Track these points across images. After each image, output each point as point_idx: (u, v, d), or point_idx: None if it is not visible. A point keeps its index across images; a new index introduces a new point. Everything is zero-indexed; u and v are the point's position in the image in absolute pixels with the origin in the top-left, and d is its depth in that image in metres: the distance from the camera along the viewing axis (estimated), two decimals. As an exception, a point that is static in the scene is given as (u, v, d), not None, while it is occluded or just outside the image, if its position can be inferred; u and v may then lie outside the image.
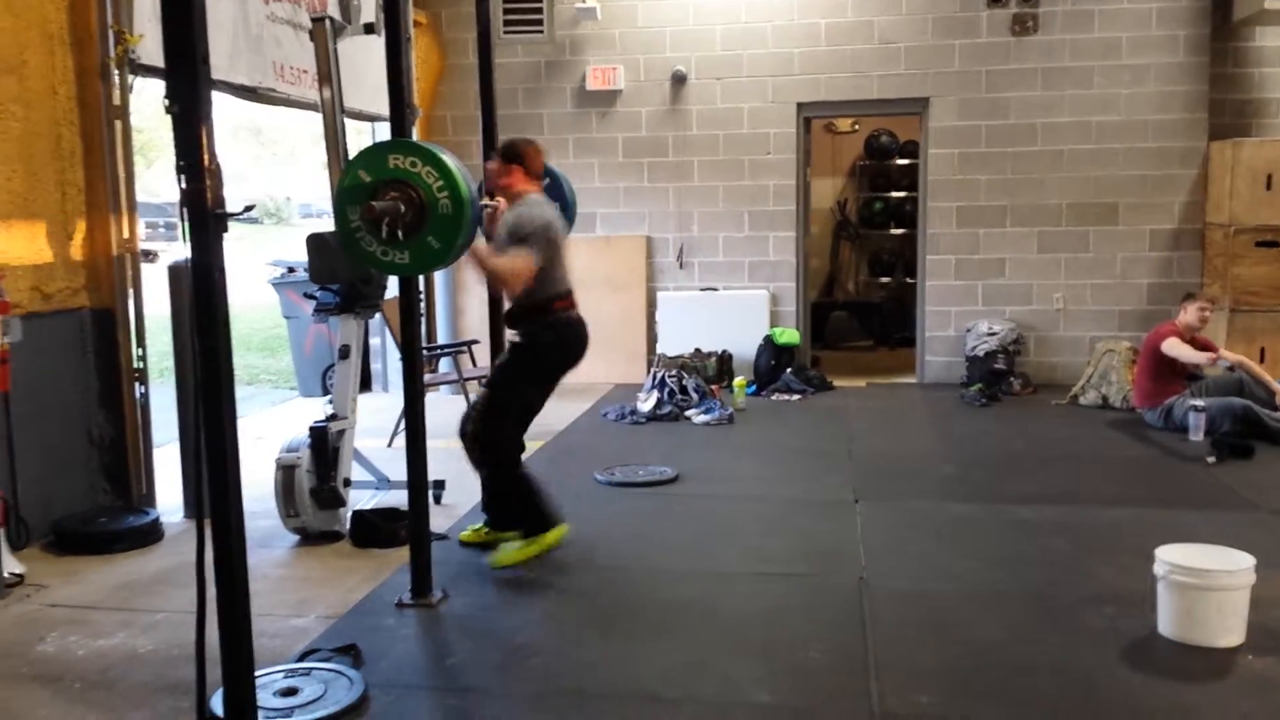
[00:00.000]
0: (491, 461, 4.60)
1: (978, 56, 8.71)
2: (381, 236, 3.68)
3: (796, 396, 8.52)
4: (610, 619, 4.05)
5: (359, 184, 3.71)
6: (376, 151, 3.81)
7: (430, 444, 4.24)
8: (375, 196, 3.67)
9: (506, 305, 4.67)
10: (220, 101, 2.84)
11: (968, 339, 8.80)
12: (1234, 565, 3.68)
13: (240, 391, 2.94)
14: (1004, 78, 8.70)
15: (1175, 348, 6.97)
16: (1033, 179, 8.77)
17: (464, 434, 4.64)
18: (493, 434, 4.54)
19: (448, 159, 3.70)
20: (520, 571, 4.52)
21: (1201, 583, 3.64)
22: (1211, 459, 6.23)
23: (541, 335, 4.56)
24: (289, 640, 3.85)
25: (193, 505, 5.27)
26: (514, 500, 4.62)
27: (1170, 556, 3.73)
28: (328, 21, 5.18)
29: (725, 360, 8.92)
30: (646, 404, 7.83)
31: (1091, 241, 8.77)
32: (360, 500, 5.45)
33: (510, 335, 4.67)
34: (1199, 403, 6.78)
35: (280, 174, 32.69)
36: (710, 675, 3.53)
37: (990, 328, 8.66)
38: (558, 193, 5.09)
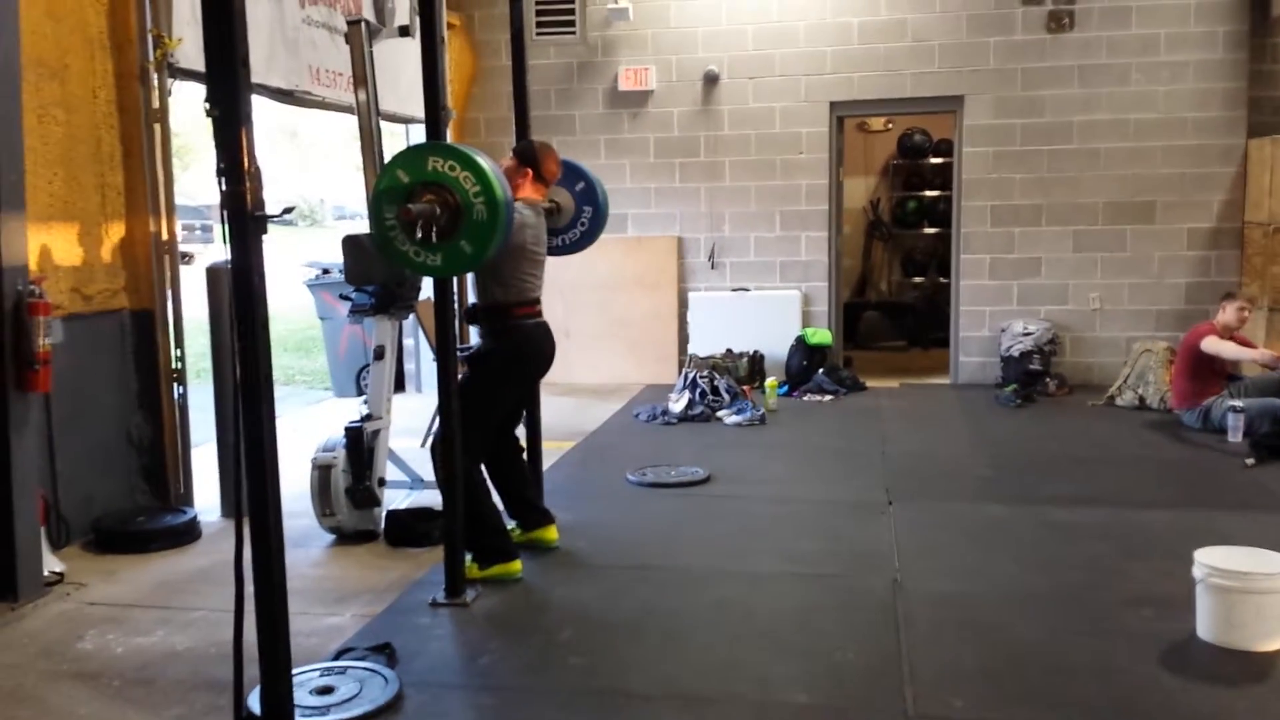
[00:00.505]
0: (458, 474, 4.32)
1: (1013, 54, 8.65)
2: (415, 238, 3.71)
3: (829, 397, 8.49)
4: (644, 619, 4.05)
5: (397, 185, 3.74)
6: (415, 153, 3.83)
7: (464, 444, 4.26)
8: (412, 198, 3.69)
9: (471, 300, 4.63)
10: (256, 104, 2.87)
11: (1002, 339, 8.73)
12: (1274, 568, 3.63)
13: (276, 392, 2.97)
14: (1039, 75, 8.63)
15: (1215, 344, 6.88)
16: (1069, 177, 8.69)
17: (433, 448, 4.49)
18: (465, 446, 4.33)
19: (485, 164, 3.72)
20: (553, 571, 4.55)
21: (1241, 585, 3.59)
22: (1250, 461, 6.15)
23: (500, 341, 4.53)
24: (325, 639, 3.88)
25: (230, 505, 5.32)
26: (467, 524, 4.36)
27: (1209, 559, 3.69)
28: (363, 24, 5.22)
29: (757, 361, 8.90)
30: (678, 404, 7.82)
31: (1128, 240, 8.68)
32: (394, 500, 5.49)
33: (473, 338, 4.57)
34: (1238, 404, 6.69)
35: (315, 176, 32.96)
36: (746, 675, 3.52)
37: (1025, 328, 8.59)
38: (591, 196, 5.10)
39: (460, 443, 4.26)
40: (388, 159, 4.02)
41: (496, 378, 4.55)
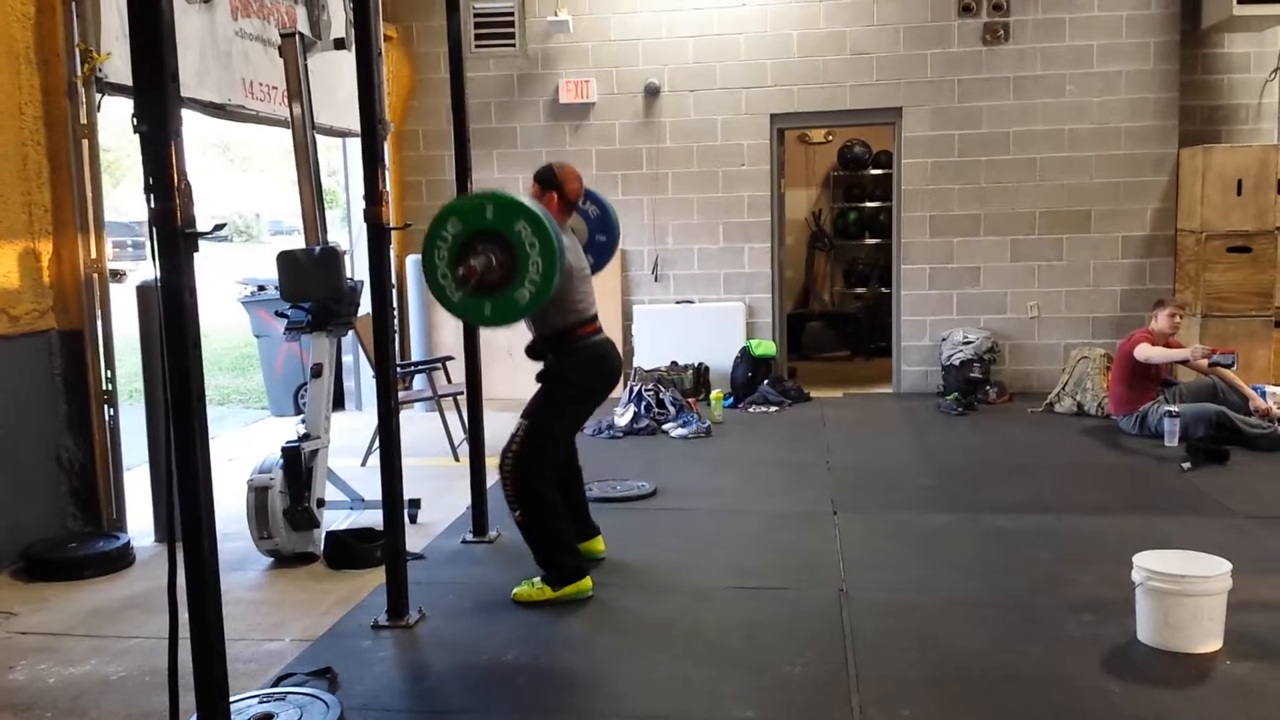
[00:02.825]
0: (523, 496, 4.33)
1: (950, 66, 8.76)
2: (457, 274, 3.77)
3: (774, 408, 8.51)
4: (591, 636, 4.02)
5: (479, 213, 3.79)
6: (517, 206, 3.81)
7: (405, 462, 4.20)
8: (474, 244, 3.75)
9: (529, 339, 4.49)
10: (188, 118, 2.79)
11: (943, 348, 8.82)
12: (1210, 570, 3.69)
13: (211, 412, 2.89)
14: (976, 87, 8.75)
15: (1147, 351, 7.00)
16: (1006, 187, 8.81)
17: (502, 467, 4.38)
18: (526, 465, 4.32)
19: (558, 262, 3.75)
20: (499, 591, 4.48)
21: (1179, 589, 3.64)
22: (1186, 465, 6.26)
23: (569, 363, 4.42)
24: (264, 664, 3.79)
25: (164, 529, 5.21)
26: (539, 544, 4.38)
27: (1148, 563, 3.73)
28: (297, 37, 5.15)
29: (702, 373, 8.90)
30: (623, 418, 7.80)
31: (1065, 249, 8.82)
32: (334, 521, 5.39)
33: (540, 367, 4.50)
34: (1173, 409, 6.82)
35: (249, 191, 32.52)
36: (694, 691, 3.50)
37: (965, 336, 8.69)
38: (605, 223, 5.00)
39: (530, 464, 4.29)
40: (473, 190, 3.98)
41: (572, 398, 4.47)
